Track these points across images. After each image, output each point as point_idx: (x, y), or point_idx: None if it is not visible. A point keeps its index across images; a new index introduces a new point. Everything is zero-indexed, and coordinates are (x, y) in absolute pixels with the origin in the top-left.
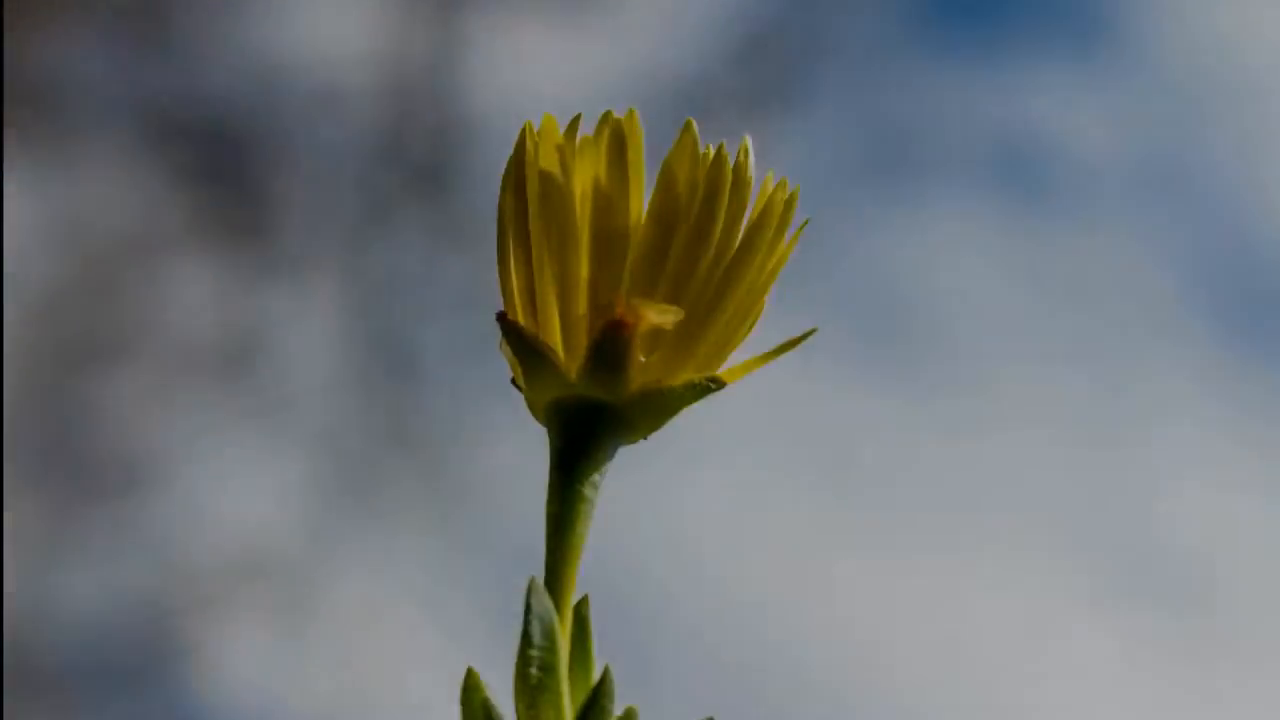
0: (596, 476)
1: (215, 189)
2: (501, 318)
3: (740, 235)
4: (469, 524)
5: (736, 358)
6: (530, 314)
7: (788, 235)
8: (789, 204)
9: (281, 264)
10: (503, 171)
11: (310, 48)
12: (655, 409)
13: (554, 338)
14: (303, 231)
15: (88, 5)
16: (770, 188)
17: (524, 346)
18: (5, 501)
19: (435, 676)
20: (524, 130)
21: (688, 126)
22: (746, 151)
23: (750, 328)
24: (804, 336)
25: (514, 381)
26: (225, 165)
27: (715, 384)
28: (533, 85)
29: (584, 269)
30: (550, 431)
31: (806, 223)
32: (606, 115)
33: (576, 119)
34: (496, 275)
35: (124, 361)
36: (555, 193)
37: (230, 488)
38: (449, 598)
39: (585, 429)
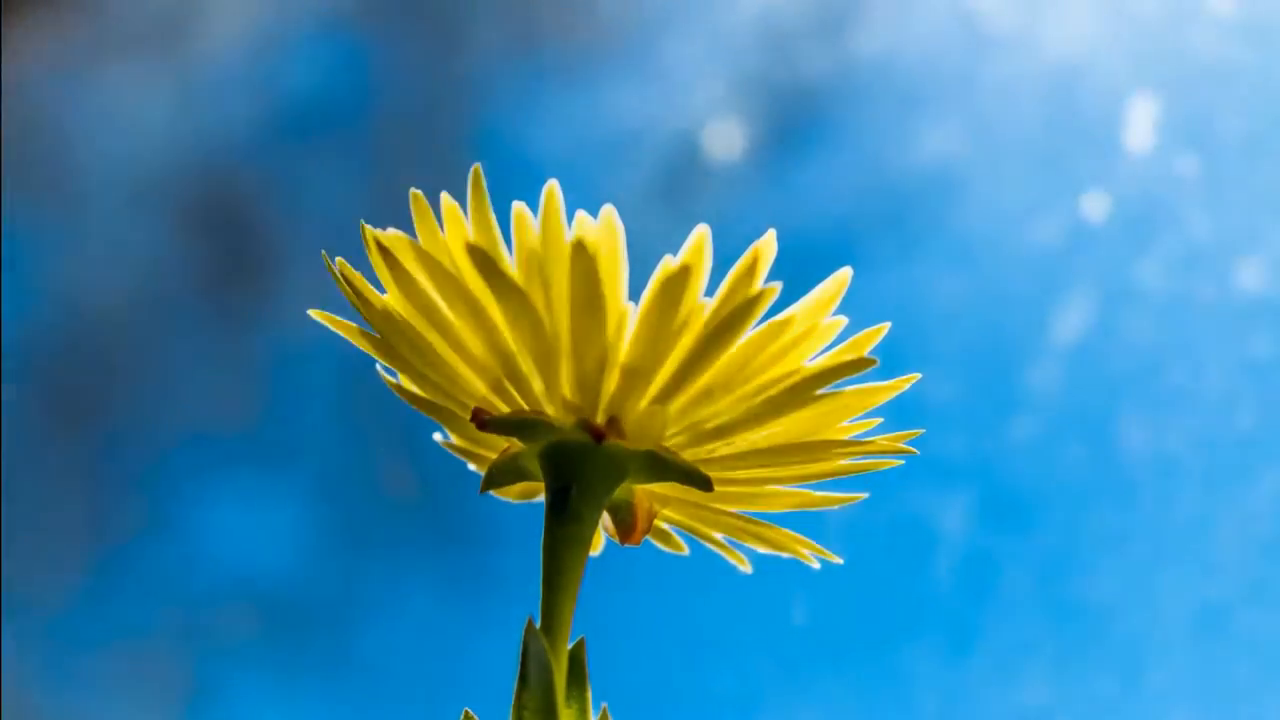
0: (592, 518)
1: (214, 233)
2: (480, 420)
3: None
4: (464, 565)
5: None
6: (508, 396)
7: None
8: (848, 367)
9: (284, 310)
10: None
11: (313, 91)
12: (648, 462)
13: (540, 406)
14: (308, 281)
15: (82, 43)
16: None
17: (515, 425)
18: (5, 529)
19: (432, 719)
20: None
21: (694, 252)
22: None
23: (808, 472)
24: (846, 499)
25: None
26: (225, 209)
27: (703, 484)
28: (536, 131)
29: (564, 345)
30: (545, 475)
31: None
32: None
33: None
34: (425, 369)
35: (126, 406)
36: (515, 291)
37: (233, 531)
38: (444, 639)
39: (579, 471)
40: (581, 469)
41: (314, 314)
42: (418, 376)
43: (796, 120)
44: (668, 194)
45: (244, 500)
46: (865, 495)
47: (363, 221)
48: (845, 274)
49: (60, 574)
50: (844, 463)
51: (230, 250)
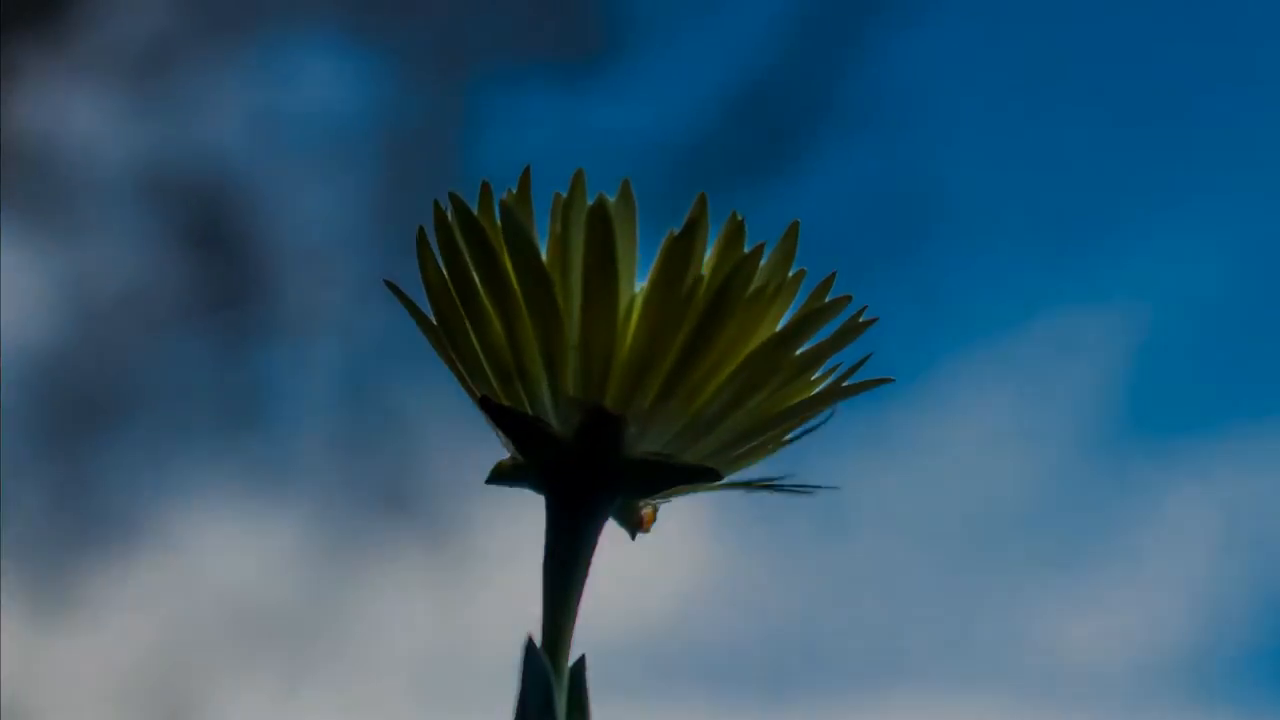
0: (592, 535)
1: (212, 249)
2: (486, 404)
3: (759, 338)
4: (465, 583)
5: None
6: (513, 387)
7: (839, 360)
8: (824, 311)
9: (280, 324)
10: (449, 239)
11: (309, 107)
12: (649, 475)
13: (545, 408)
14: (302, 292)
15: (84, 63)
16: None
17: (516, 426)
18: (4, 553)
19: None
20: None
21: (698, 209)
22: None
23: (780, 441)
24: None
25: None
26: (223, 225)
27: (710, 476)
28: (533, 146)
29: (573, 337)
30: (545, 490)
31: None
32: (600, 196)
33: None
34: (451, 350)
35: (123, 422)
36: (537, 265)
37: (229, 547)
38: (445, 657)
39: (580, 488)
40: (581, 486)
41: (386, 283)
42: (447, 359)
43: (787, 130)
44: (662, 200)
45: (241, 513)
46: (835, 412)
47: (435, 200)
48: (795, 225)
49: (59, 580)
50: (818, 407)
51: (228, 264)
